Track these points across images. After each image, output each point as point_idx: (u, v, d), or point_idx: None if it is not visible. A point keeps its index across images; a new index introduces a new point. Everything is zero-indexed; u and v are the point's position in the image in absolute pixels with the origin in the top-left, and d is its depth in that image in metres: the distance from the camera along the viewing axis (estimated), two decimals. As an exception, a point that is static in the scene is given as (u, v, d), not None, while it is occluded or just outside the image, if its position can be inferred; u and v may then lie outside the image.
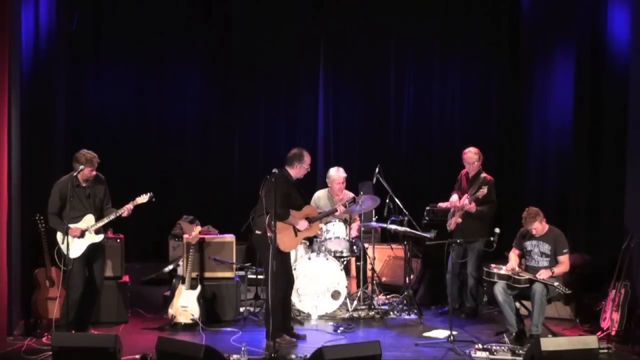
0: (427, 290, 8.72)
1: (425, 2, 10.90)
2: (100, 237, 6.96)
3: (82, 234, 6.83)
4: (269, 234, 6.60)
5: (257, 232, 6.95)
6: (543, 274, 6.94)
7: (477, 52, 10.94)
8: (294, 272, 7.79)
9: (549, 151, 9.63)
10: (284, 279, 6.98)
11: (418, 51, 11.03)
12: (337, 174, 8.46)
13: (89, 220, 6.89)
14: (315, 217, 7.17)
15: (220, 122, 11.00)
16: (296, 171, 7.01)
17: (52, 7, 8.43)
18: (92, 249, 6.91)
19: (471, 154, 8.11)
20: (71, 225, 6.77)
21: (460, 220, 8.02)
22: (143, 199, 7.00)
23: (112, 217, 6.92)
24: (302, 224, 6.99)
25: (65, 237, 6.67)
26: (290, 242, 7.02)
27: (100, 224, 6.91)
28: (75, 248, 6.79)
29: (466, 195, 8.03)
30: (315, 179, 10.33)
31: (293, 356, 6.51)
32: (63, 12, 8.88)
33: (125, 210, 6.89)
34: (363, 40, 10.93)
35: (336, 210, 7.56)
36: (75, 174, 6.76)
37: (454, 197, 8.20)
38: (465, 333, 7.38)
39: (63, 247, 6.74)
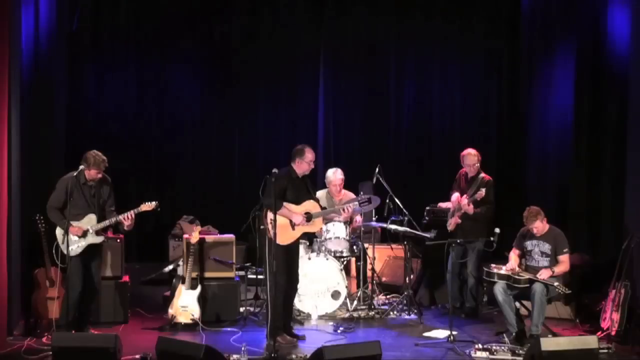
0: (427, 290, 8.72)
1: (425, 2, 10.90)
2: (100, 239, 6.96)
3: (84, 234, 6.83)
4: (267, 226, 6.70)
5: (262, 226, 7.04)
6: (544, 274, 6.94)
7: (477, 52, 10.94)
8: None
9: (549, 151, 9.63)
10: (285, 278, 6.98)
11: (418, 51, 11.04)
12: (334, 175, 8.47)
13: (90, 219, 6.88)
14: (316, 214, 7.08)
15: (220, 122, 10.99)
16: (297, 166, 7.04)
17: (52, 7, 8.44)
18: (90, 248, 6.91)
19: (471, 156, 8.11)
20: (73, 223, 6.77)
21: (459, 220, 8.02)
22: (148, 206, 6.95)
23: (113, 220, 6.91)
24: (297, 218, 6.95)
25: (65, 234, 6.67)
26: (286, 235, 6.97)
27: (101, 225, 6.90)
28: (74, 246, 6.79)
29: (465, 195, 8.03)
30: (316, 179, 10.34)
31: (293, 356, 6.51)
32: (63, 12, 8.88)
33: (128, 217, 6.85)
34: (363, 40, 10.93)
35: (338, 211, 7.42)
36: (75, 173, 6.76)
37: (456, 194, 8.19)
38: (465, 333, 7.38)
39: (63, 247, 6.74)
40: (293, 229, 6.99)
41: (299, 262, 7.34)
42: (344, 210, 7.28)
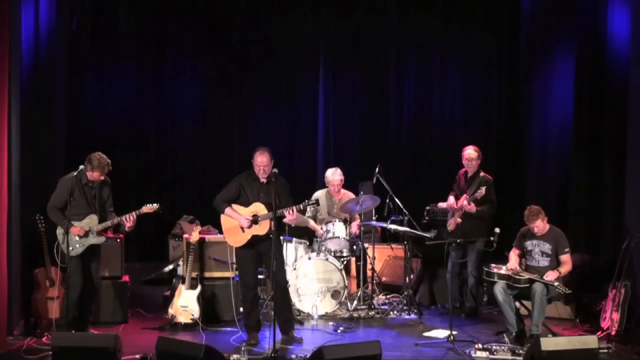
0: (427, 290, 8.72)
1: (425, 2, 10.91)
2: (101, 240, 6.97)
3: (85, 234, 6.84)
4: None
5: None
6: (550, 276, 6.93)
7: (477, 52, 10.96)
8: (293, 271, 7.83)
9: (549, 151, 9.64)
10: (243, 282, 7.06)
11: (418, 51, 11.05)
12: (332, 176, 8.47)
13: (92, 220, 6.89)
14: (263, 216, 6.93)
15: (220, 122, 11.00)
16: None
17: (52, 7, 8.44)
18: (90, 248, 6.92)
19: (471, 151, 8.12)
20: (75, 223, 6.78)
21: (459, 220, 8.02)
22: (149, 209, 6.95)
23: (115, 221, 6.92)
24: (244, 221, 6.89)
25: (66, 234, 6.68)
26: (236, 238, 6.99)
27: (103, 226, 6.91)
28: (76, 246, 6.79)
29: (465, 195, 8.02)
30: (315, 179, 10.35)
31: (293, 356, 6.51)
32: (63, 12, 8.88)
33: (130, 219, 6.87)
34: (363, 40, 10.94)
35: (284, 215, 6.93)
36: (75, 173, 6.76)
37: (451, 199, 8.21)
38: (465, 333, 7.38)
39: (63, 247, 6.74)
40: (243, 231, 6.94)
41: (281, 265, 7.17)
42: (289, 212, 6.89)
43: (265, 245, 6.97)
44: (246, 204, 6.97)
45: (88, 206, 6.89)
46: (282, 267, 7.17)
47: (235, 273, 7.94)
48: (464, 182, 8.19)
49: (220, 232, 8.46)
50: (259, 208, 6.93)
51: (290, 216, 6.87)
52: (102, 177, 6.87)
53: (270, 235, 6.86)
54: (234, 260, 7.88)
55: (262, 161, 6.90)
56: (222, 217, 7.05)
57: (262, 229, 6.91)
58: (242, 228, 6.93)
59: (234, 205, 6.98)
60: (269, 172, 6.88)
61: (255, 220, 6.90)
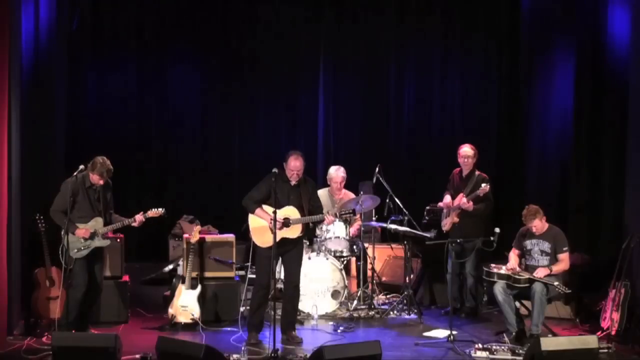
0: (427, 290, 8.72)
1: (425, 2, 10.91)
2: (107, 242, 7.00)
3: (91, 236, 6.84)
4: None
5: (244, 225, 7.18)
6: (540, 272, 6.94)
7: (477, 52, 10.94)
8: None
9: (548, 151, 9.63)
10: (258, 280, 7.04)
11: (418, 51, 11.03)
12: (336, 173, 8.49)
13: (97, 222, 6.89)
14: (295, 220, 6.95)
15: (220, 122, 10.99)
16: (286, 170, 6.99)
17: (52, 7, 8.44)
18: (94, 250, 6.92)
19: (467, 149, 8.13)
20: (80, 225, 6.78)
21: (457, 219, 8.02)
22: (155, 213, 7.00)
23: (119, 224, 6.94)
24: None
25: (66, 235, 6.67)
26: (264, 238, 6.95)
27: (109, 228, 6.92)
28: (81, 248, 6.79)
29: (461, 194, 8.01)
30: (315, 179, 10.33)
31: (293, 356, 6.51)
32: (63, 12, 8.88)
33: (137, 221, 6.92)
34: (363, 40, 10.93)
35: (323, 220, 7.15)
36: (76, 173, 6.76)
37: (447, 198, 8.20)
38: (465, 333, 7.39)
39: (69, 249, 6.74)
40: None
41: (298, 264, 7.22)
42: (327, 217, 7.05)
43: (290, 247, 7.04)
44: (275, 205, 6.89)
45: (92, 209, 6.89)
46: (298, 266, 7.19)
47: (235, 273, 7.97)
48: (458, 181, 8.20)
49: (221, 232, 8.54)
50: (291, 212, 6.94)
51: (330, 220, 7.08)
52: (101, 182, 6.86)
53: (303, 239, 7.00)
54: (234, 260, 7.91)
55: (295, 165, 6.91)
56: (251, 216, 7.04)
57: (292, 232, 6.95)
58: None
59: (264, 206, 6.97)
60: (301, 176, 6.95)
61: (286, 223, 6.89)
